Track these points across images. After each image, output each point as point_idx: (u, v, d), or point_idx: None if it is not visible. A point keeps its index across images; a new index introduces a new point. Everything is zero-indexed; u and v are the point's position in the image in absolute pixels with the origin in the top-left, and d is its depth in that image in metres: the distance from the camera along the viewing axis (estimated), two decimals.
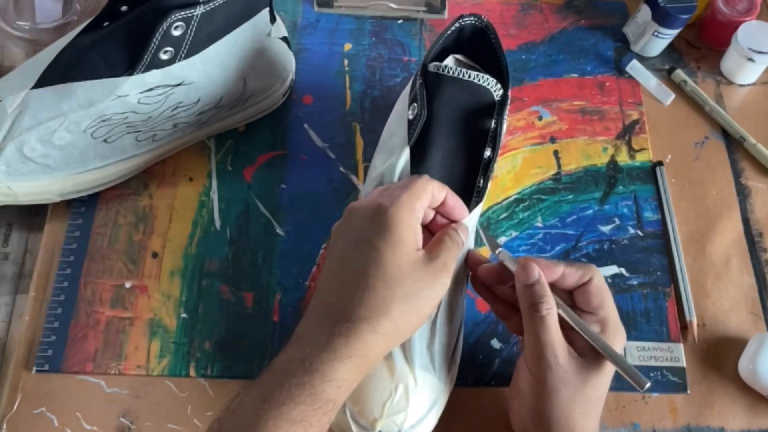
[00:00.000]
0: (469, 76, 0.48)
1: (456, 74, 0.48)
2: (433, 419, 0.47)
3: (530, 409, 0.44)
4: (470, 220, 0.48)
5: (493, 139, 0.50)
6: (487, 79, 0.49)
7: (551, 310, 0.43)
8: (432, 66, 0.49)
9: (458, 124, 0.50)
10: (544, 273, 0.45)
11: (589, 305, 0.45)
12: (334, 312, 0.38)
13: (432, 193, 0.43)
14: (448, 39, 0.53)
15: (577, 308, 0.46)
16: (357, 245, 0.40)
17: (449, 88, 0.49)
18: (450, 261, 0.42)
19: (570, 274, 0.45)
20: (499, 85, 0.49)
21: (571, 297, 0.46)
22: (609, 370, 0.44)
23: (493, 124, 0.50)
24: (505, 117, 0.52)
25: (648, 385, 0.42)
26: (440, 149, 0.50)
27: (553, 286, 0.45)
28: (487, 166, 0.50)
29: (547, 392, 0.42)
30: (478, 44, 0.54)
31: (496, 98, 0.50)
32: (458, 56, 0.55)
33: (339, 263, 0.41)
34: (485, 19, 0.53)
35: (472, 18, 0.53)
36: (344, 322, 0.38)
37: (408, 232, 0.40)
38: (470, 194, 0.50)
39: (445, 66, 0.49)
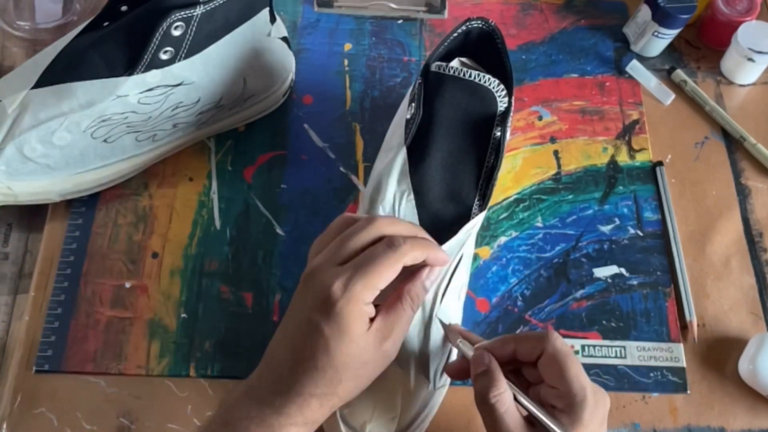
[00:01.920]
0: (471, 76, 0.48)
1: (458, 74, 0.48)
2: (424, 424, 0.47)
3: None
4: (473, 227, 0.48)
5: (497, 147, 0.50)
6: (490, 79, 0.48)
7: (501, 396, 0.41)
8: (435, 66, 0.49)
9: (460, 125, 0.50)
10: (495, 353, 0.43)
11: (549, 379, 0.42)
12: (288, 382, 0.40)
13: (401, 268, 0.41)
14: (454, 41, 0.53)
15: (547, 385, 0.42)
16: (308, 326, 0.40)
17: (451, 89, 0.49)
18: (402, 331, 0.42)
19: (522, 351, 0.43)
20: (502, 87, 0.49)
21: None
22: None
23: (497, 133, 0.50)
24: (509, 124, 0.51)
25: None
26: (441, 151, 0.49)
27: (525, 367, 0.44)
28: (491, 175, 0.50)
29: None
30: (484, 48, 0.54)
31: (500, 105, 0.49)
32: (463, 59, 0.55)
33: (292, 337, 0.41)
34: (492, 23, 0.52)
35: (479, 21, 0.52)
36: (296, 395, 0.39)
37: (356, 323, 0.40)
38: (470, 200, 0.50)
39: (448, 66, 0.49)
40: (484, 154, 0.50)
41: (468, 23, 0.52)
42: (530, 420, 0.41)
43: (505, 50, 0.52)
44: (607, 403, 0.42)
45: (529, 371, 0.44)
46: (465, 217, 0.49)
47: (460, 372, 0.46)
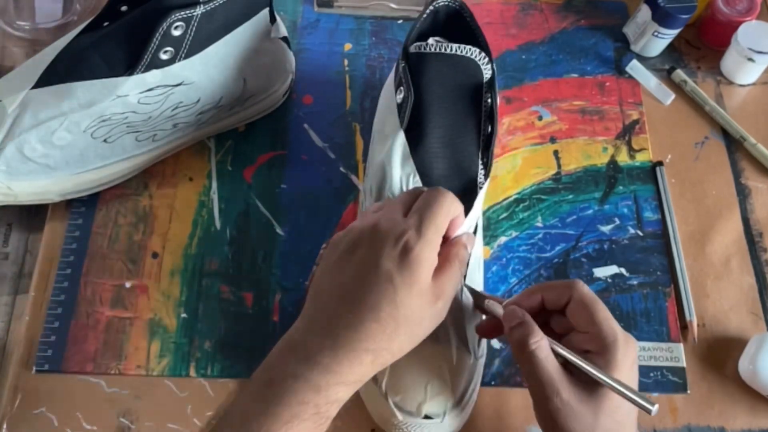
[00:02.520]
0: (452, 49, 0.49)
1: (439, 49, 0.49)
2: (473, 395, 0.47)
3: None
4: (479, 199, 0.49)
5: (490, 114, 0.50)
6: (471, 49, 0.49)
7: (539, 342, 0.41)
8: (414, 47, 0.49)
9: (450, 100, 0.50)
10: (523, 303, 0.44)
11: (579, 325, 0.43)
12: (339, 336, 0.38)
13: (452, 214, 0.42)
14: (425, 23, 0.53)
15: (577, 331, 0.44)
16: (376, 274, 0.38)
17: (435, 66, 0.49)
18: (453, 291, 0.42)
19: (549, 299, 0.44)
20: (483, 54, 0.49)
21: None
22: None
23: (488, 100, 0.50)
24: (497, 90, 0.52)
25: (655, 409, 0.40)
26: (437, 128, 0.50)
27: (552, 317, 0.45)
28: (489, 142, 0.50)
29: None
30: (454, 25, 0.54)
31: (485, 72, 0.50)
32: (437, 38, 0.55)
33: (351, 286, 0.39)
34: (458, 0, 0.53)
35: (445, 0, 0.53)
36: (350, 350, 0.38)
37: (428, 271, 0.40)
38: (474, 170, 0.50)
39: (427, 44, 0.49)
40: (478, 123, 0.51)
41: (435, 3, 0.52)
42: (567, 367, 0.42)
43: (475, 23, 0.53)
44: (635, 346, 0.43)
45: (558, 321, 0.45)
46: (473, 188, 0.50)
47: (490, 330, 0.47)
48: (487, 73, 0.50)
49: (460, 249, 0.43)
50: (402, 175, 0.48)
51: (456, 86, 0.50)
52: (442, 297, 0.41)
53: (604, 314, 0.42)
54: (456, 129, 0.50)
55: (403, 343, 0.40)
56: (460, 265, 0.43)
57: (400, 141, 0.49)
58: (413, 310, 0.39)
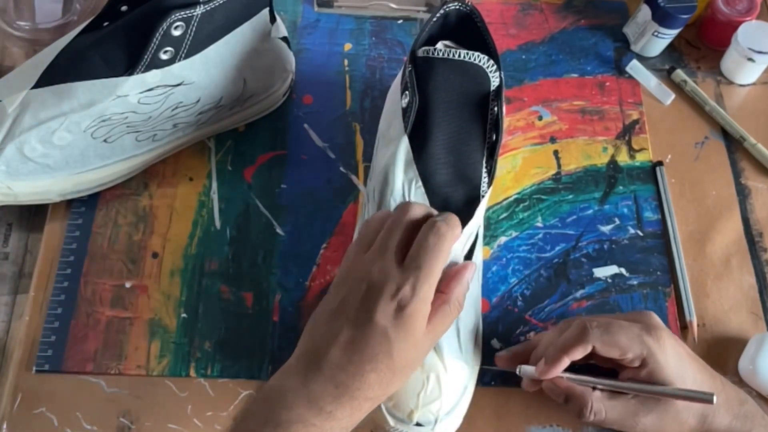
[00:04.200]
0: (460, 56, 0.48)
1: (447, 55, 0.48)
2: (465, 403, 0.48)
3: None
4: (481, 207, 0.49)
5: (495, 122, 0.50)
6: (479, 56, 0.49)
7: (594, 411, 0.45)
8: (421, 51, 0.49)
9: (456, 106, 0.50)
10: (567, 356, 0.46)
11: (608, 361, 0.47)
12: (341, 384, 0.39)
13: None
14: (434, 26, 0.53)
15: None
16: (373, 330, 0.39)
17: (442, 71, 0.49)
18: (447, 329, 0.43)
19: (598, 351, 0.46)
20: (492, 62, 0.49)
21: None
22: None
23: (495, 108, 0.50)
24: (503, 98, 0.52)
25: (715, 398, 0.43)
26: (442, 134, 0.49)
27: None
28: (493, 150, 0.50)
29: None
30: (465, 30, 0.54)
31: (493, 80, 0.50)
32: (447, 42, 0.55)
33: (351, 339, 0.40)
34: (470, 4, 0.52)
35: (456, 4, 0.52)
36: (351, 399, 0.39)
37: (422, 324, 0.40)
38: (477, 178, 0.50)
39: (435, 48, 0.49)
40: (484, 131, 0.50)
41: (445, 6, 0.52)
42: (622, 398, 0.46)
43: (485, 29, 0.53)
44: (660, 326, 0.46)
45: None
46: (475, 197, 0.50)
47: (510, 362, 0.49)
48: (494, 82, 0.50)
49: (461, 290, 0.43)
50: (405, 181, 0.48)
51: (463, 93, 0.50)
52: (436, 338, 0.43)
53: (624, 342, 0.45)
54: (461, 136, 0.50)
55: (398, 385, 0.42)
56: (458, 307, 0.43)
57: (404, 146, 0.49)
58: (408, 359, 0.40)
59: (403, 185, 0.49)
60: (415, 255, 0.41)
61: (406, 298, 0.39)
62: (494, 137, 0.50)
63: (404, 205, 0.44)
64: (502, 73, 0.51)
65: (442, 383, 0.45)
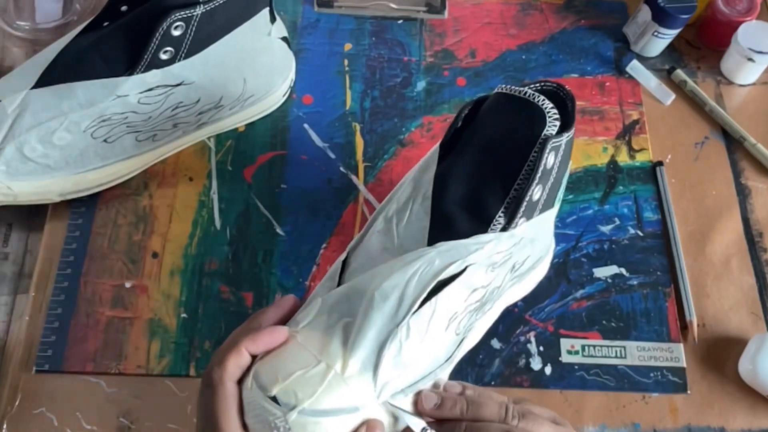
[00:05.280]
0: (526, 94, 0.45)
1: (514, 92, 0.46)
2: (343, 425, 0.38)
3: None
4: (488, 242, 0.44)
5: (531, 170, 0.44)
6: (544, 101, 0.45)
7: None
8: (499, 87, 0.47)
9: (501, 138, 0.46)
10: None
11: None
12: None
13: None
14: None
15: None
16: None
17: (503, 102, 0.46)
18: None
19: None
20: (555, 111, 0.45)
21: None
22: None
23: (542, 155, 0.44)
24: (551, 152, 0.44)
25: None
26: (474, 156, 0.46)
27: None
28: (521, 196, 0.44)
29: None
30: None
31: (549, 128, 0.44)
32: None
33: None
34: (567, 89, 0.49)
35: (552, 85, 0.49)
36: None
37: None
38: (493, 212, 0.45)
39: (510, 86, 0.47)
40: (517, 172, 0.45)
41: (543, 84, 0.49)
42: None
43: (573, 110, 0.48)
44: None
45: None
46: (482, 230, 0.45)
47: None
48: (550, 130, 0.45)
49: None
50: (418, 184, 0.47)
51: (513, 128, 0.46)
52: None
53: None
54: (494, 166, 0.46)
55: None
56: None
57: (434, 151, 0.47)
58: None
59: (414, 189, 0.47)
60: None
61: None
62: (530, 186, 0.44)
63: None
64: (556, 123, 0.46)
65: (330, 378, 0.38)
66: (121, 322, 0.53)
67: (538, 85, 0.49)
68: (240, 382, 0.39)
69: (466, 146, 0.47)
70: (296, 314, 0.43)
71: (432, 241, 0.44)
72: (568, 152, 0.47)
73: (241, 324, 0.42)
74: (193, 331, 0.53)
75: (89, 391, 0.50)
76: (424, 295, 0.41)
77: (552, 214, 0.50)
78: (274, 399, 0.37)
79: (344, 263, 0.46)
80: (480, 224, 0.44)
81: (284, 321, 0.42)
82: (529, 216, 0.46)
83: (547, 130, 0.44)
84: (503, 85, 0.47)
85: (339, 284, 0.44)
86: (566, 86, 0.48)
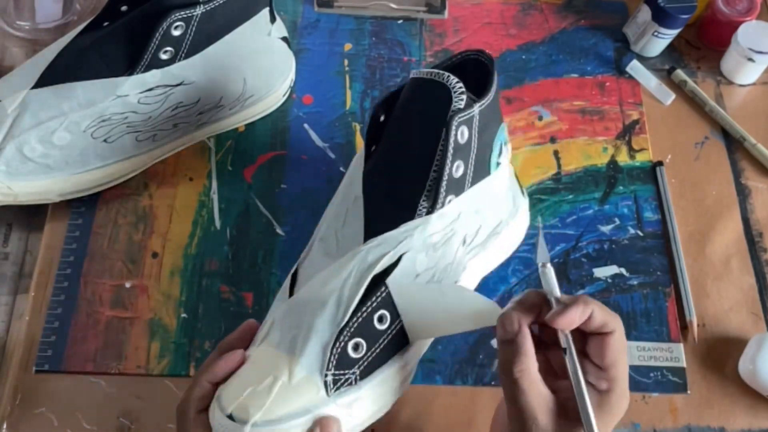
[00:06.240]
0: (430, 75, 0.45)
1: (416, 74, 0.46)
2: (297, 429, 0.39)
3: None
4: (415, 228, 0.44)
5: (445, 149, 0.43)
6: (449, 77, 0.44)
7: (523, 371, 0.38)
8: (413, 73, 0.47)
9: (412, 124, 0.46)
10: (567, 316, 0.38)
11: (602, 360, 0.39)
12: None
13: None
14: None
15: (586, 358, 0.40)
16: None
17: (410, 88, 0.47)
18: None
19: (594, 318, 0.39)
20: (460, 85, 0.44)
21: (584, 341, 0.40)
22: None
23: (451, 132, 0.43)
24: (461, 125, 0.44)
25: None
26: (391, 150, 0.47)
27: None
28: (440, 176, 0.44)
29: None
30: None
31: (456, 103, 0.44)
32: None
33: None
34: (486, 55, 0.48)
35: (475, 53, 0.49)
36: None
37: None
38: (416, 199, 0.45)
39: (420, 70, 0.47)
40: (432, 153, 0.45)
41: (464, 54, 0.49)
42: (558, 396, 0.39)
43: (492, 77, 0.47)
44: (626, 405, 0.40)
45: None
46: (410, 218, 0.45)
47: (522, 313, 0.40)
48: (457, 104, 0.44)
49: None
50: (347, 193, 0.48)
51: (422, 112, 0.46)
52: None
53: (626, 364, 0.40)
54: (409, 155, 0.46)
55: None
56: None
57: (360, 155, 0.48)
58: None
59: (345, 197, 0.48)
60: None
61: None
62: (445, 165, 0.44)
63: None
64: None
65: (276, 389, 0.39)
66: (121, 322, 0.53)
67: (459, 56, 0.49)
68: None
69: (387, 139, 0.48)
70: (256, 335, 0.44)
71: (367, 239, 0.44)
72: (490, 117, 0.46)
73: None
74: (193, 331, 0.53)
75: (89, 391, 0.50)
76: (361, 292, 0.42)
77: (494, 179, 0.49)
78: (231, 417, 0.39)
79: (294, 277, 0.47)
80: (406, 212, 0.45)
81: (246, 344, 0.44)
82: (457, 192, 0.46)
83: (454, 106, 0.44)
84: (416, 70, 0.47)
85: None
86: (486, 51, 0.48)
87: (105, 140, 0.53)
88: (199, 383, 0.42)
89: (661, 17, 0.64)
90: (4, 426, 0.49)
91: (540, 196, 0.60)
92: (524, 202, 0.56)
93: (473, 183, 0.47)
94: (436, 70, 0.45)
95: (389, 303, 0.43)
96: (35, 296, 0.53)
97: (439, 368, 0.52)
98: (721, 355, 0.54)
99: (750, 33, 0.64)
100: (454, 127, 0.43)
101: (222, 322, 0.53)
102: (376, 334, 0.42)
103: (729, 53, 0.66)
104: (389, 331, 0.43)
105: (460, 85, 0.44)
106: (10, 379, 0.50)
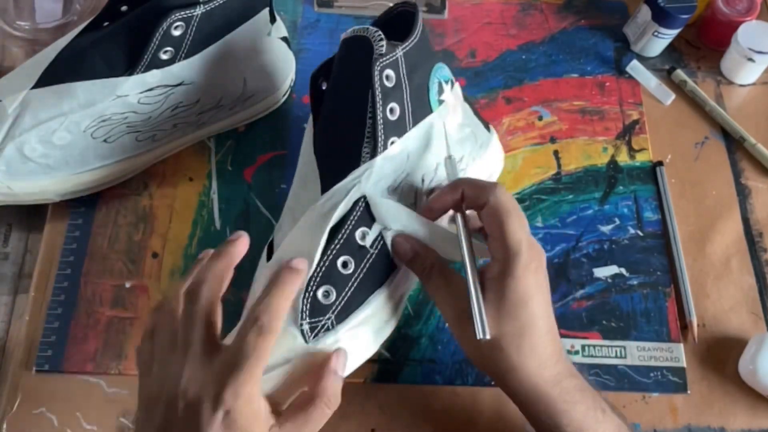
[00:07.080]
0: (354, 31, 0.47)
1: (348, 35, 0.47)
2: (280, 376, 0.41)
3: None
4: (363, 173, 0.45)
5: (374, 95, 0.45)
6: (366, 28, 0.46)
7: (430, 270, 0.43)
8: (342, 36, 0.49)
9: (345, 82, 0.48)
10: (446, 198, 0.44)
11: (491, 231, 0.41)
12: None
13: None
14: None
15: (491, 237, 0.42)
16: None
17: (341, 51, 0.49)
18: (316, 430, 0.39)
19: (469, 196, 0.43)
20: (380, 33, 0.45)
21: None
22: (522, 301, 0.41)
23: (376, 79, 0.45)
24: (385, 69, 0.45)
25: (484, 337, 0.40)
26: (331, 110, 0.49)
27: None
28: (375, 123, 0.45)
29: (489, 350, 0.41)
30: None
31: (377, 49, 0.45)
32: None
33: None
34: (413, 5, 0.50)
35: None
36: None
37: (258, 424, 0.37)
38: (359, 147, 0.46)
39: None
40: (365, 103, 0.46)
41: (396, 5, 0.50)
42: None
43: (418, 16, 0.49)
44: (542, 257, 0.42)
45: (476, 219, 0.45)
46: (356, 166, 0.46)
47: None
48: (379, 50, 0.45)
49: (329, 386, 0.40)
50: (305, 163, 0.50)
51: (351, 68, 0.48)
52: None
53: (515, 226, 0.41)
54: (348, 111, 0.47)
55: None
56: (331, 402, 0.39)
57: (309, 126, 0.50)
58: None
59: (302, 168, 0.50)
60: (234, 353, 0.37)
61: (229, 403, 0.35)
62: (377, 109, 0.45)
63: (194, 288, 0.41)
64: (405, 52, 0.47)
65: None
66: (121, 322, 0.53)
67: (387, 13, 0.50)
68: None
69: (327, 99, 0.50)
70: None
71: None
72: (418, 58, 0.47)
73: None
74: None
75: (89, 391, 0.50)
76: (322, 242, 0.43)
77: (438, 116, 0.49)
78: None
79: (270, 247, 0.49)
80: (353, 161, 0.46)
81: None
82: (399, 133, 0.47)
83: (376, 52, 0.45)
84: (346, 31, 0.48)
85: None
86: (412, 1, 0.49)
87: (105, 140, 0.53)
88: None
89: (661, 17, 0.64)
90: (4, 426, 0.49)
91: (540, 196, 0.60)
92: (490, 137, 0.56)
93: (415, 122, 0.48)
94: (360, 26, 0.47)
95: (352, 248, 0.44)
96: (35, 296, 0.53)
97: (439, 368, 0.52)
98: (721, 355, 0.54)
99: (750, 33, 0.64)
100: (377, 72, 0.45)
101: (222, 322, 0.53)
102: (343, 279, 0.44)
103: (729, 53, 0.66)
104: (356, 275, 0.44)
105: (379, 33, 0.46)
106: (10, 379, 0.50)
